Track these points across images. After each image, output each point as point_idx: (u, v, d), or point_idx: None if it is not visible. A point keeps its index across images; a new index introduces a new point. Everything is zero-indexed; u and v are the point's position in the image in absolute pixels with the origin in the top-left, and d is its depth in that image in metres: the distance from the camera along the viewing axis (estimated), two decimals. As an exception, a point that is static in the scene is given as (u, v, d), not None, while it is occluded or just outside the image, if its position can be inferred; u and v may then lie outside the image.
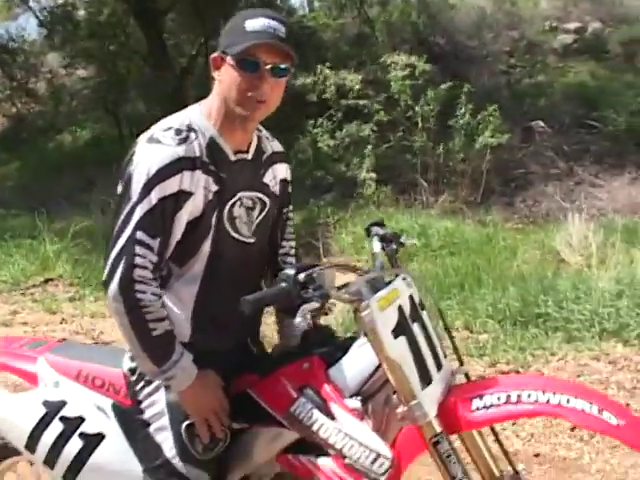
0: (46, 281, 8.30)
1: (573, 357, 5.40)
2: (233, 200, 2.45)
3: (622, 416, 2.17)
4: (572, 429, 4.51)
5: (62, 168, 14.48)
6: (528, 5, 16.94)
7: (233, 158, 2.46)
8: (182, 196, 2.31)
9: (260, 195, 2.57)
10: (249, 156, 2.53)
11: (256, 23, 2.30)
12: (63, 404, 2.71)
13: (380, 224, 2.81)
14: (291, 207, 2.84)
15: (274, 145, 2.68)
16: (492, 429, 2.60)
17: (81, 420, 2.67)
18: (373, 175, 10.77)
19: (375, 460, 2.25)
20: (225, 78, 2.37)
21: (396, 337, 2.25)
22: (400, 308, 2.31)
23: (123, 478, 2.64)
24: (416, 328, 2.35)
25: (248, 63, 2.30)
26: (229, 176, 2.42)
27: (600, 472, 4.12)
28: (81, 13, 17.33)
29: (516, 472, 2.49)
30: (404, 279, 2.43)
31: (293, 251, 2.84)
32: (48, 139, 17.19)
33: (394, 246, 2.72)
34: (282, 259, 2.80)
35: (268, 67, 2.31)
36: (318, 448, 2.36)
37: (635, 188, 11.32)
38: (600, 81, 14.25)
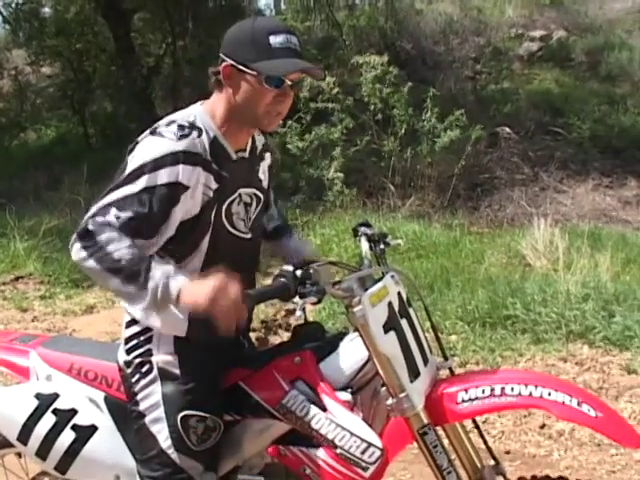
0: (16, 279, 8.26)
1: (541, 358, 5.52)
2: (233, 197, 2.53)
3: (600, 408, 2.29)
4: (541, 427, 4.64)
5: (28, 166, 14.35)
6: (494, 12, 17.12)
7: (235, 157, 2.54)
8: (179, 188, 2.34)
9: (256, 191, 2.66)
10: (247, 154, 2.62)
11: (279, 39, 2.35)
12: (56, 397, 2.75)
13: (367, 224, 2.90)
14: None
15: (260, 139, 2.76)
16: (474, 422, 2.70)
17: (74, 412, 2.72)
18: (340, 175, 10.82)
19: (366, 450, 2.34)
20: (247, 91, 2.41)
21: (386, 332, 2.35)
22: (390, 304, 2.41)
23: (116, 469, 2.70)
24: (404, 323, 2.45)
25: (274, 80, 2.37)
26: (230, 174, 2.49)
27: (569, 468, 4.24)
28: (47, 10, 17.24)
29: (497, 463, 2.59)
30: (392, 277, 2.53)
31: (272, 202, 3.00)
32: (12, 137, 17.03)
33: (382, 245, 2.82)
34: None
35: (290, 83, 2.40)
36: (308, 439, 2.44)
37: (598, 194, 11.52)
38: (565, 89, 14.47)
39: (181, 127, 2.40)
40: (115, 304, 7.12)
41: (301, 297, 2.16)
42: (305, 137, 11.25)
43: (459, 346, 5.74)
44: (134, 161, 2.34)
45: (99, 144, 15.97)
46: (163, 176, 2.31)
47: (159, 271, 2.21)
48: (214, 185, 2.44)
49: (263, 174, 2.75)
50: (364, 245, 2.81)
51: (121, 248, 2.21)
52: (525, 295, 6.29)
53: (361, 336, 2.34)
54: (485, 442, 2.67)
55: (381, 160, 11.40)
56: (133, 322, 2.60)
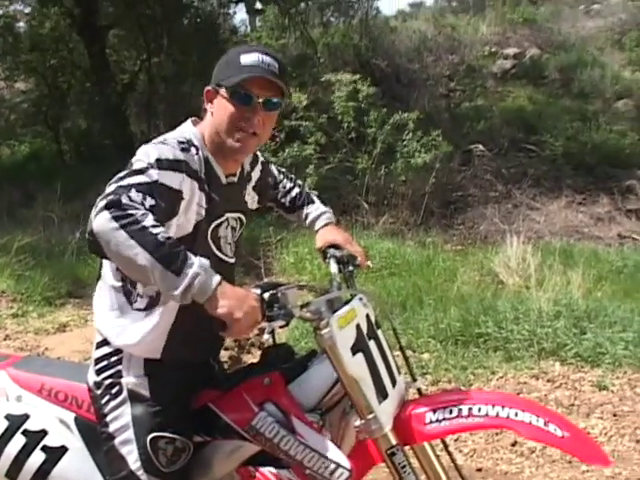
0: (-12, 297, 8.20)
1: (513, 376, 5.55)
2: (220, 220, 2.54)
3: (566, 428, 2.31)
4: (513, 444, 4.66)
5: (1, 183, 14.23)
6: (468, 30, 17.29)
7: (225, 181, 2.55)
8: (179, 198, 2.30)
9: (241, 215, 2.69)
10: (236, 179, 2.64)
11: (250, 57, 2.39)
12: (26, 418, 2.73)
13: (336, 246, 2.91)
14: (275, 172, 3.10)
15: (247, 160, 2.77)
16: (443, 442, 2.72)
17: (44, 434, 2.70)
18: (314, 192, 10.76)
19: (334, 471, 2.35)
20: (218, 110, 2.45)
21: (354, 354, 2.37)
22: (358, 326, 2.43)
23: (85, 491, 2.70)
24: (372, 345, 2.47)
25: (241, 96, 2.39)
26: (219, 198, 2.49)
27: (540, 485, 4.28)
28: (21, 25, 17.19)
29: (465, 483, 2.62)
30: (360, 299, 2.55)
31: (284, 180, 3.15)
32: (-15, 153, 17.00)
33: (350, 268, 2.83)
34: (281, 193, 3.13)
35: (260, 100, 2.40)
36: (277, 460, 2.45)
37: (571, 211, 11.62)
38: (538, 106, 14.62)
39: (180, 142, 2.40)
40: (88, 322, 7.09)
41: (269, 320, 2.17)
42: (279, 155, 11.23)
43: (431, 364, 5.76)
44: (141, 157, 2.25)
45: (73, 161, 15.95)
46: (169, 178, 2.25)
47: (197, 260, 2.06)
48: (205, 206, 2.44)
49: (249, 195, 2.77)
50: (333, 267, 2.81)
51: (157, 226, 2.05)
52: (497, 313, 6.32)
53: (329, 358, 2.36)
54: (453, 461, 2.69)
55: (355, 178, 11.42)
56: (104, 343, 2.59)
